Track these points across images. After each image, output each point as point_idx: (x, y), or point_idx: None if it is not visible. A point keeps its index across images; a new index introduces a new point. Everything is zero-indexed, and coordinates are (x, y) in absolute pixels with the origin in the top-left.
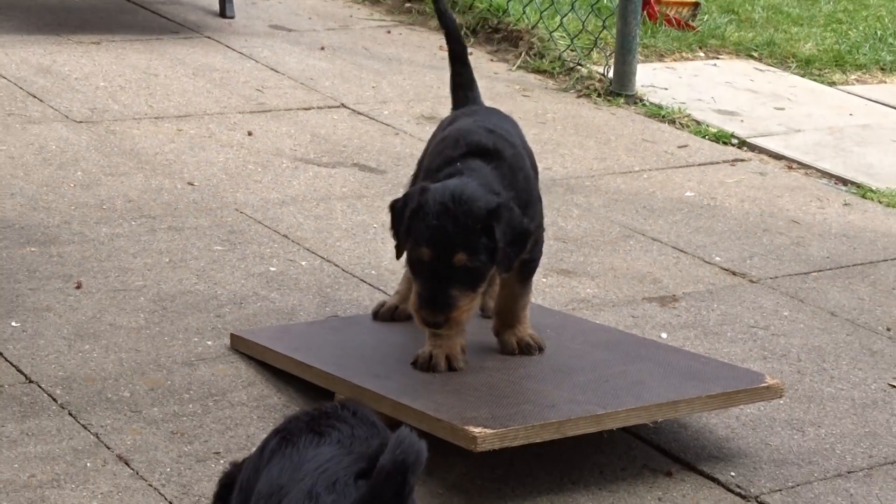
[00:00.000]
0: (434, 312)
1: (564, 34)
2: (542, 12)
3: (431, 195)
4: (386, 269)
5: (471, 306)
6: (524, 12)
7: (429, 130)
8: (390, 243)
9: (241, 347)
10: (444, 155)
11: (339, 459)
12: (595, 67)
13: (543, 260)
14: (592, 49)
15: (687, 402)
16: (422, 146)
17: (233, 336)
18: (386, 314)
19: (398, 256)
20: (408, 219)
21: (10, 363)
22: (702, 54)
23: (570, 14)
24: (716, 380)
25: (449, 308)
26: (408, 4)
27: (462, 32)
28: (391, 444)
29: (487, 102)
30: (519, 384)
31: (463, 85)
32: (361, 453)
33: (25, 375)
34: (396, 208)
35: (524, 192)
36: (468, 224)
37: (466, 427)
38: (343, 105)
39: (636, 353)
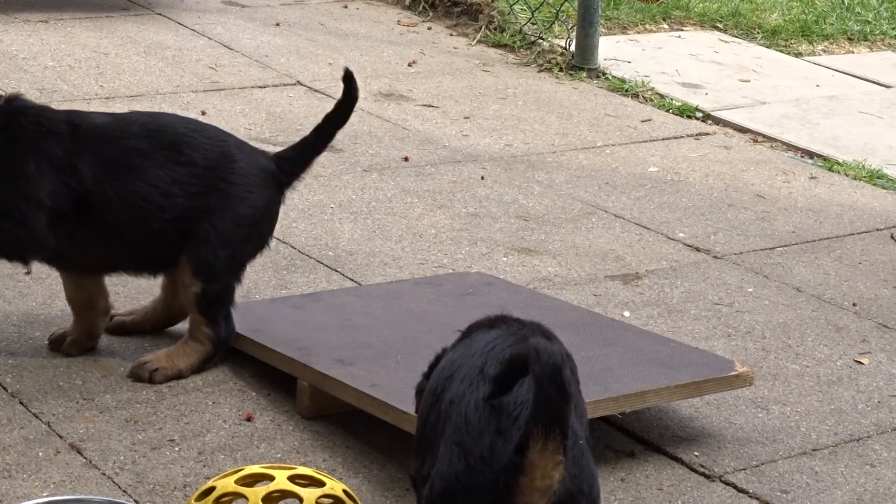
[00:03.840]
0: None
1: (525, 7)
2: None
3: None
4: (343, 251)
5: None
6: None
7: (387, 107)
8: (348, 224)
9: None
10: None
11: (504, 338)
12: (556, 41)
13: (504, 238)
14: (554, 22)
15: (655, 392)
16: (380, 124)
17: None
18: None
19: None
20: None
21: None
22: (665, 26)
23: None
24: (685, 367)
25: None
26: None
27: (420, 6)
28: (533, 357)
29: (447, 78)
30: None
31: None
32: (523, 336)
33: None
34: None
35: None
36: None
37: None
38: (299, 82)
39: (603, 336)
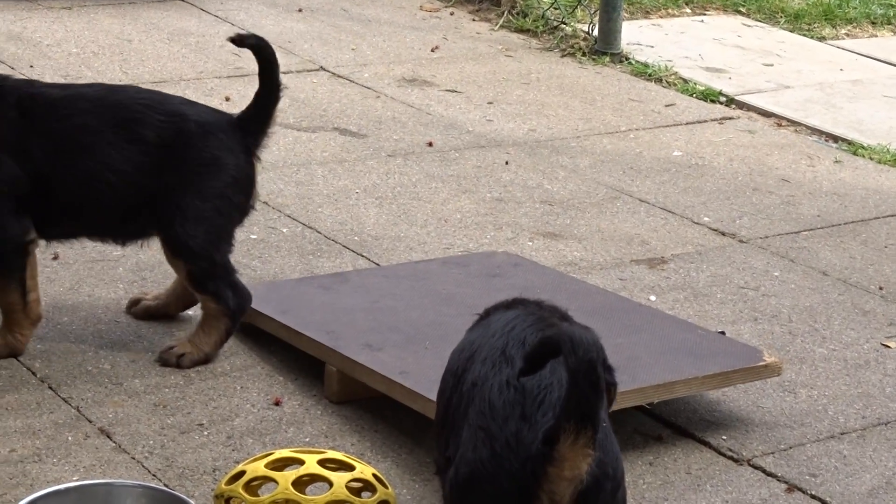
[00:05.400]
0: None
1: None
2: None
3: None
4: (369, 235)
5: None
6: None
7: (411, 93)
8: (373, 208)
9: None
10: None
11: (523, 318)
12: (579, 26)
13: (529, 222)
14: (576, 7)
15: (683, 382)
16: (404, 109)
17: None
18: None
19: None
20: None
21: None
22: (688, 10)
23: None
24: (712, 357)
25: None
26: None
27: None
28: (568, 347)
29: (470, 63)
30: None
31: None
32: (542, 317)
33: None
34: None
35: None
36: None
37: None
38: (322, 68)
39: (630, 322)
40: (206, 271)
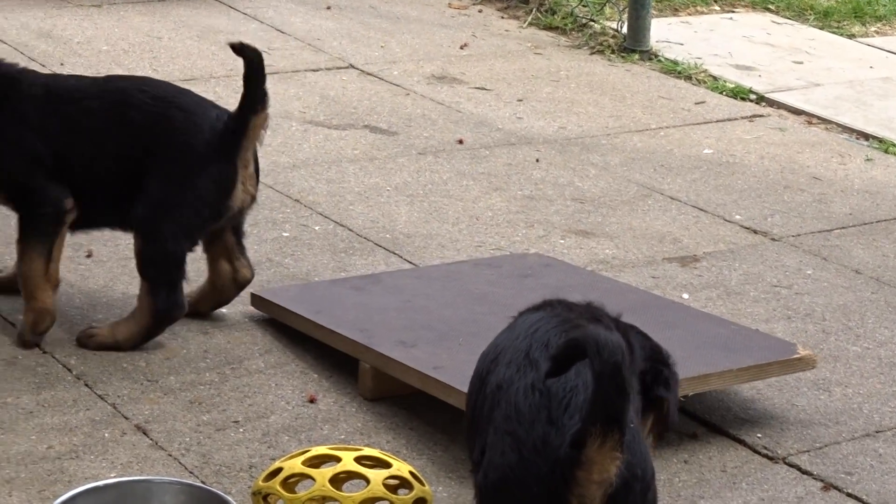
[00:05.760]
0: None
1: None
2: None
3: None
4: (401, 233)
5: None
6: None
7: (440, 90)
8: (405, 206)
9: (262, 308)
10: None
11: (548, 320)
12: (608, 23)
13: (560, 220)
14: (605, 4)
15: (718, 375)
16: (434, 107)
17: (253, 296)
18: None
19: None
20: None
21: None
22: (717, 7)
23: None
24: (746, 350)
25: None
26: None
27: None
28: (593, 350)
29: (499, 61)
30: None
31: None
32: (567, 318)
33: (39, 346)
34: None
35: None
36: None
37: None
38: (351, 65)
39: (663, 318)
40: (155, 257)
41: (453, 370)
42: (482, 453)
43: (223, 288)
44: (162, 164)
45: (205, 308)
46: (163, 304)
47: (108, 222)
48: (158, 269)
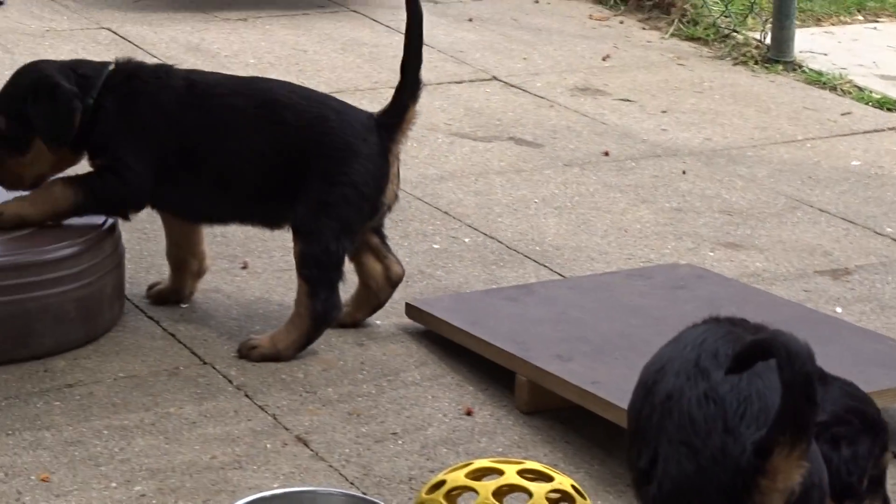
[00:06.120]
0: None
1: (718, 0)
2: None
3: None
4: (550, 245)
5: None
6: None
7: (584, 102)
8: (553, 218)
9: (417, 318)
10: None
11: (714, 331)
12: (751, 34)
13: (709, 232)
14: (748, 15)
15: (878, 394)
16: (578, 118)
17: (408, 306)
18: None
19: None
20: None
21: (184, 345)
22: (860, 17)
23: None
24: None
25: None
26: None
27: (612, 0)
28: (783, 359)
29: (642, 72)
30: None
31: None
32: (732, 331)
33: (199, 357)
34: None
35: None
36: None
37: None
38: (495, 77)
39: (818, 333)
40: (316, 257)
41: (611, 385)
42: (650, 464)
43: (378, 289)
44: (320, 163)
45: (362, 315)
46: (321, 306)
47: (247, 217)
48: (320, 268)
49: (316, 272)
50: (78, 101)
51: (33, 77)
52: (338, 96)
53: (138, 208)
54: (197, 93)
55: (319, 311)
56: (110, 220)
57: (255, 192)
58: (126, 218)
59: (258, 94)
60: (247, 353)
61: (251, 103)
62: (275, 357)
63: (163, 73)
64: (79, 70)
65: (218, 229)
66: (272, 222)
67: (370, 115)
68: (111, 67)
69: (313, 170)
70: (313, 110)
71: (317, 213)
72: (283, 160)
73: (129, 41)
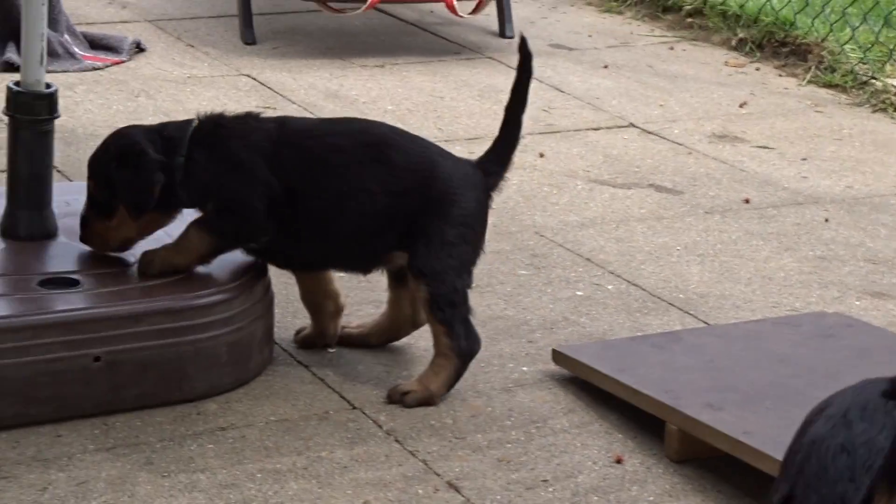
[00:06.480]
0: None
1: (856, 47)
2: (831, 24)
3: None
4: (694, 293)
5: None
6: (812, 25)
7: (722, 149)
8: (696, 266)
9: (563, 364)
10: None
11: (876, 384)
12: (890, 80)
13: (854, 281)
14: (886, 61)
15: None
16: (717, 165)
17: (554, 352)
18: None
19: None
20: None
21: (333, 389)
22: None
23: (861, 26)
24: None
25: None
26: (689, 20)
27: (747, 47)
28: None
29: (780, 119)
30: None
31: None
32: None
33: (349, 402)
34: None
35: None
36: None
37: None
38: (632, 124)
39: None
40: (445, 297)
41: (764, 436)
42: (784, 501)
43: (401, 326)
44: (434, 205)
45: (376, 341)
46: (464, 343)
47: (346, 261)
48: (452, 307)
49: (449, 311)
50: (160, 174)
51: (121, 143)
52: (476, 143)
53: (267, 233)
54: (290, 132)
55: (464, 348)
56: (260, 265)
57: (358, 233)
58: (248, 252)
59: (361, 133)
60: (400, 398)
61: (354, 142)
62: (429, 399)
63: (250, 118)
64: (164, 132)
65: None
66: (370, 265)
67: (470, 161)
68: (195, 124)
69: (427, 211)
70: (421, 151)
71: (438, 254)
72: (391, 201)
73: (269, 87)
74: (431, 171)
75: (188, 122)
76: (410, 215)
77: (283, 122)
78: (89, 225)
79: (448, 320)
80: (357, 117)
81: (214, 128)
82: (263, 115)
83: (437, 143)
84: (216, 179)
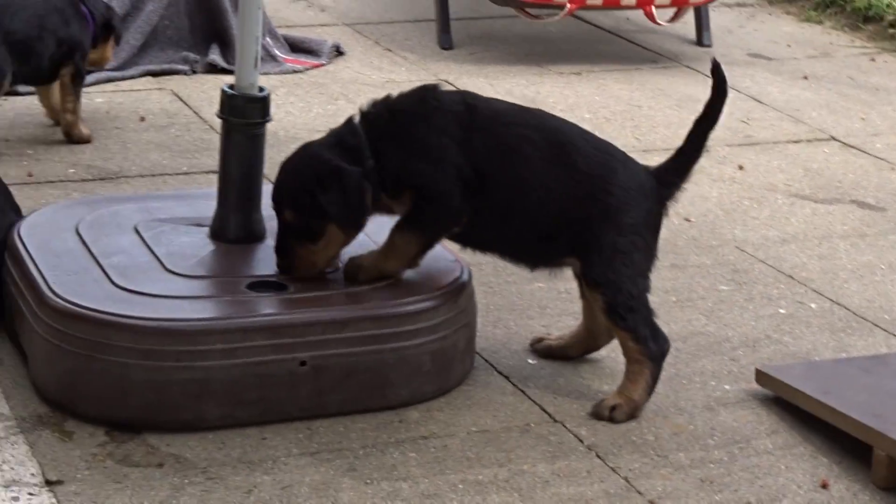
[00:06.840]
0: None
1: None
2: None
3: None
4: None
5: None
6: None
7: None
8: None
9: (766, 385)
10: None
11: None
12: None
13: None
14: None
15: None
16: None
17: (758, 371)
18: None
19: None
20: None
21: (534, 401)
22: None
23: None
24: None
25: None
26: (891, 30)
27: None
28: None
29: None
30: None
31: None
32: None
33: (549, 415)
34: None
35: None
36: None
37: None
38: (832, 137)
39: None
40: (625, 304)
41: None
42: None
43: (598, 336)
44: (607, 214)
45: (574, 353)
46: (654, 345)
47: (518, 253)
48: (632, 313)
49: (630, 317)
50: (365, 181)
51: (314, 166)
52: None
53: (466, 214)
54: (480, 117)
55: (655, 351)
56: (465, 275)
57: (533, 227)
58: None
59: (553, 132)
60: (610, 415)
61: (545, 139)
62: (635, 410)
63: (429, 97)
64: (341, 143)
65: (561, 285)
66: (538, 262)
67: (649, 169)
68: (357, 119)
69: (599, 218)
70: (601, 159)
71: (612, 262)
72: (567, 204)
73: None
74: (608, 180)
75: (349, 122)
76: (583, 221)
77: (472, 106)
78: (291, 253)
79: (631, 326)
80: (546, 112)
81: (391, 115)
82: (441, 89)
83: (634, 154)
84: (401, 172)
